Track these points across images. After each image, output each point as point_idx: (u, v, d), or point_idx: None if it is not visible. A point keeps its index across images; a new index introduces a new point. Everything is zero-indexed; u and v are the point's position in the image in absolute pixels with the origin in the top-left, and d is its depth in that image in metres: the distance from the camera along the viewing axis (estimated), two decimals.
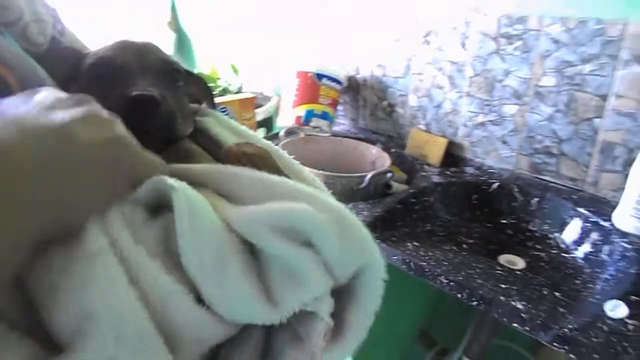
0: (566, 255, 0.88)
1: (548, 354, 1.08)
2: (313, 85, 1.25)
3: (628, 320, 0.62)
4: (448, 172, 1.08)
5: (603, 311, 0.64)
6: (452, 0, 1.04)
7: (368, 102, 1.32)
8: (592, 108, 0.90)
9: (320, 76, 1.26)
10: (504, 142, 1.06)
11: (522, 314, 0.64)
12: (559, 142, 0.97)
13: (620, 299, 0.65)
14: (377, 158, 1.10)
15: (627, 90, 0.85)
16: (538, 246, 0.91)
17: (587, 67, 0.88)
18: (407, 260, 0.76)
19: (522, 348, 1.11)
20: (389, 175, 1.01)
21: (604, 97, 0.88)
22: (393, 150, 1.22)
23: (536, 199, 0.98)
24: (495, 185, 1.02)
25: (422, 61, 1.15)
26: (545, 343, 0.61)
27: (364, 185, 0.95)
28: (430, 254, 0.82)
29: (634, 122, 0.85)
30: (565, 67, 0.91)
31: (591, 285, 0.78)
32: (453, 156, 1.16)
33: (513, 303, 0.66)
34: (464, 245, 0.91)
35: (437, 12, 1.08)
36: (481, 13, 1.00)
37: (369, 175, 0.95)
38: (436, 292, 1.26)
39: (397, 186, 1.05)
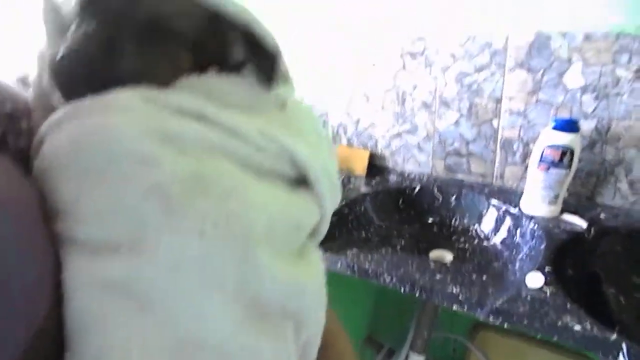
0: (487, 243, 0.98)
1: (482, 337, 1.17)
2: None
3: (545, 287, 0.71)
4: (374, 182, 1.16)
5: (524, 284, 0.72)
6: (359, 24, 1.13)
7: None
8: (489, 110, 1.02)
9: None
10: (420, 149, 1.16)
11: (459, 297, 0.71)
12: (467, 144, 1.09)
13: (536, 271, 0.74)
14: None
15: (515, 92, 0.98)
16: (462, 239, 1.01)
17: (481, 76, 1.01)
18: (351, 265, 0.81)
19: (460, 335, 1.20)
20: None
21: (498, 100, 1.00)
22: None
23: (454, 197, 1.08)
24: (417, 188, 1.11)
25: (338, 81, 1.23)
26: (481, 319, 0.68)
27: None
28: (370, 257, 0.87)
29: (525, 119, 0.98)
30: (463, 77, 1.03)
31: (511, 266, 0.87)
32: (376, 166, 1.24)
33: (450, 289, 0.73)
34: (398, 247, 0.97)
35: (346, 36, 1.16)
36: (385, 34, 1.10)
37: None
38: (378, 297, 1.32)
39: None
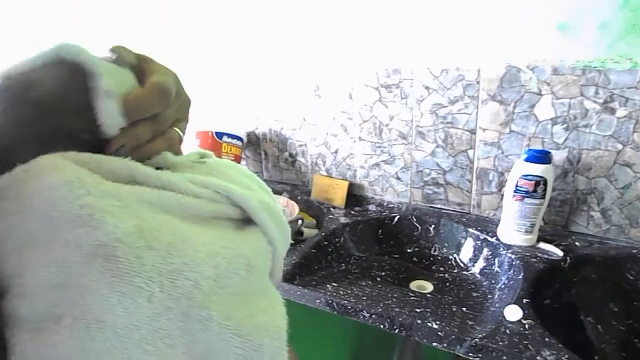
0: (466, 272, 0.98)
1: None
2: (214, 143, 1.27)
3: (524, 321, 0.71)
4: (353, 212, 1.16)
5: (503, 317, 0.72)
6: (335, 57, 1.15)
7: (269, 154, 1.37)
8: (465, 141, 1.04)
9: (220, 135, 1.28)
10: (398, 179, 1.17)
11: (439, 333, 0.70)
12: (443, 173, 1.10)
13: (515, 304, 0.74)
14: (286, 207, 1.14)
15: (489, 123, 1.00)
16: (441, 268, 1.01)
17: (455, 107, 1.03)
18: (330, 302, 0.80)
19: None
20: (299, 222, 1.06)
21: (472, 131, 1.02)
22: (299, 197, 1.27)
23: (433, 226, 1.09)
24: (396, 218, 1.11)
25: (315, 113, 1.24)
26: (462, 355, 0.68)
27: None
28: (349, 291, 0.87)
29: (499, 150, 1.00)
30: (438, 108, 1.05)
31: (490, 296, 0.88)
32: (355, 196, 1.24)
33: (429, 324, 0.72)
34: (378, 279, 0.97)
35: (323, 68, 1.18)
36: (361, 66, 1.12)
37: None
38: (360, 329, 1.30)
39: (308, 232, 1.09)
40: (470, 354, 0.67)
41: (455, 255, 1.04)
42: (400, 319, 0.74)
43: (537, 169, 0.88)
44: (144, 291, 0.25)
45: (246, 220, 0.35)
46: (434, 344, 0.70)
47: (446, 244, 1.06)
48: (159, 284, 0.25)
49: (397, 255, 1.07)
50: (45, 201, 0.25)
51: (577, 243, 0.93)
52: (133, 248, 0.25)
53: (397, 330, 0.74)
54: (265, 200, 0.37)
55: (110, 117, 0.29)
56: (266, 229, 0.35)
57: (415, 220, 1.10)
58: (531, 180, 0.89)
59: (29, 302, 0.24)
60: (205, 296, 0.27)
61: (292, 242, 0.43)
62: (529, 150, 0.89)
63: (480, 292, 0.90)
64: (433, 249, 1.07)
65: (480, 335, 0.68)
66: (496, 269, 0.93)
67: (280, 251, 0.38)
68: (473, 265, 0.99)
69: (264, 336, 0.30)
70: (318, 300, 0.81)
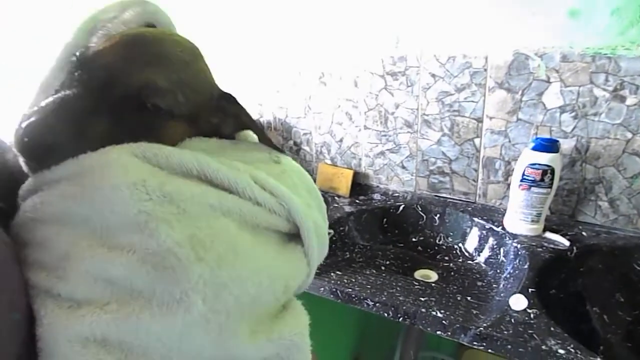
0: (471, 262, 0.97)
1: (469, 356, 1.16)
2: None
3: (529, 310, 0.70)
4: (358, 201, 1.15)
5: (508, 306, 0.72)
6: (340, 44, 1.14)
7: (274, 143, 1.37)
8: (471, 130, 1.03)
9: None
10: (403, 167, 1.16)
11: (443, 321, 0.70)
12: (449, 162, 1.09)
13: (520, 293, 0.74)
14: None
15: (496, 112, 0.98)
16: (446, 257, 1.00)
17: (462, 95, 1.01)
18: (334, 290, 0.80)
19: (447, 355, 1.19)
20: None
21: (479, 120, 1.01)
22: None
23: (438, 215, 1.08)
24: (401, 207, 1.11)
25: (320, 101, 1.23)
26: (466, 344, 0.67)
27: None
28: (353, 280, 0.86)
29: (506, 139, 0.99)
30: (444, 96, 1.04)
31: (495, 285, 0.87)
32: (360, 185, 1.24)
33: (433, 313, 0.72)
34: (382, 267, 0.96)
35: (329, 55, 1.17)
36: (367, 53, 1.11)
37: None
38: (364, 317, 1.31)
39: None
40: (475, 343, 0.66)
41: (460, 244, 1.03)
42: (404, 308, 0.74)
43: (545, 158, 0.87)
44: (182, 302, 0.26)
45: (291, 235, 0.35)
46: (438, 332, 0.70)
47: (451, 233, 1.06)
48: (203, 295, 0.26)
49: (401, 244, 1.06)
50: (106, 199, 0.25)
51: (584, 233, 0.92)
52: (182, 260, 0.26)
53: (401, 319, 0.74)
54: (317, 221, 0.37)
55: None
56: (310, 251, 0.36)
57: (420, 209, 1.10)
58: (538, 169, 0.88)
59: (69, 286, 0.25)
60: (242, 312, 0.28)
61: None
62: (537, 138, 0.88)
63: (485, 281, 0.90)
64: (438, 238, 1.07)
65: (484, 324, 0.68)
66: (502, 258, 0.93)
67: (314, 271, 0.38)
68: (478, 255, 0.98)
69: (295, 334, 0.32)
70: (322, 289, 0.81)
